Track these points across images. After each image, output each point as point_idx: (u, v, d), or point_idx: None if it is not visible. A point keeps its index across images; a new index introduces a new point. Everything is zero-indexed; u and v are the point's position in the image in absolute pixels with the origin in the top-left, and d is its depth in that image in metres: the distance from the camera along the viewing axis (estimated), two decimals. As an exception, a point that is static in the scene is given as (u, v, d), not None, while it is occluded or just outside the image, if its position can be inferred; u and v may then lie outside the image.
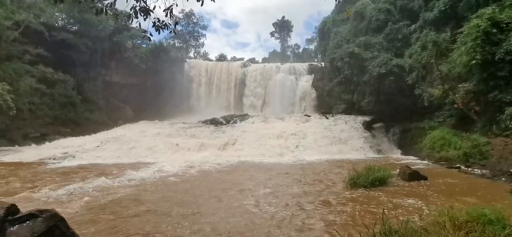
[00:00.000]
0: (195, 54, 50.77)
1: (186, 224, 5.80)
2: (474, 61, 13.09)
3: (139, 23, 4.82)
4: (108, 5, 4.83)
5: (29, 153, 15.62)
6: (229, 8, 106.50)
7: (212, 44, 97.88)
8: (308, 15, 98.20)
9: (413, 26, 21.06)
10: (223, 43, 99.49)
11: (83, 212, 6.51)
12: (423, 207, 6.80)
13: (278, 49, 60.15)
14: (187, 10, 48.24)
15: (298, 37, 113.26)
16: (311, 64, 36.45)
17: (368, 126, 20.87)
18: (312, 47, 55.05)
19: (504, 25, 13.01)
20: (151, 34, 5.06)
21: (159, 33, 5.03)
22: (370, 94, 21.40)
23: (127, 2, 4.75)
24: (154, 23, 4.85)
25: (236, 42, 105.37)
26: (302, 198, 7.74)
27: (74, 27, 29.67)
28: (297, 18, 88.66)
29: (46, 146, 17.88)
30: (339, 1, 10.27)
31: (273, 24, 59.08)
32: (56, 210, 3.55)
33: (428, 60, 16.20)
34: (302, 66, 35.76)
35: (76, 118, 24.20)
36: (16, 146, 18.31)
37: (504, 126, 12.62)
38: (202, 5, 5.06)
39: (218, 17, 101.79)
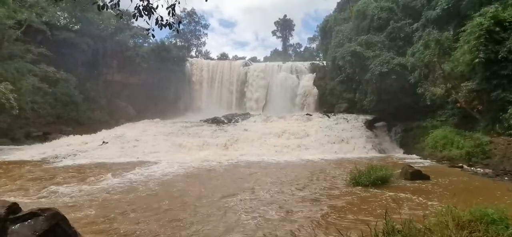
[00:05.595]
0: (197, 53, 50.70)
1: (188, 225, 5.80)
2: (477, 60, 13.03)
3: (146, 22, 4.86)
4: (113, 6, 4.87)
5: (31, 152, 15.66)
6: (226, 7, 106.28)
7: (210, 43, 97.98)
8: (305, 14, 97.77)
9: (415, 25, 20.95)
10: (222, 42, 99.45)
11: (85, 211, 6.52)
12: (426, 207, 6.77)
13: (279, 48, 60.05)
14: (188, 9, 48.24)
15: (296, 36, 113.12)
16: (312, 63, 36.30)
17: (370, 125, 20.80)
18: (313, 46, 54.96)
19: (507, 23, 12.95)
20: (153, 30, 5.08)
21: (161, 29, 5.05)
22: (372, 93, 21.32)
23: (131, 1, 4.79)
24: (157, 21, 4.88)
25: (234, 41, 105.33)
26: (303, 198, 7.73)
27: (76, 26, 29.78)
28: (294, 16, 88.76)
29: (48, 145, 17.90)
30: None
31: (274, 22, 58.95)
32: (58, 209, 3.55)
33: (430, 58, 16.11)
34: (304, 65, 35.65)
35: (78, 117, 24.25)
36: (19, 145, 18.38)
37: (507, 125, 12.55)
38: (206, 0, 5.10)
39: (215, 16, 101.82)
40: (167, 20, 4.96)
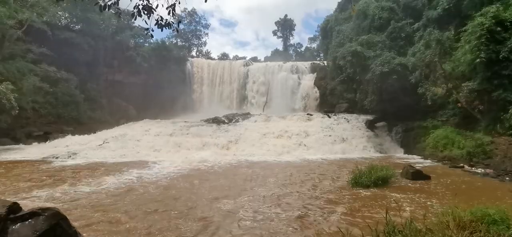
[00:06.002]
0: (197, 53, 50.72)
1: (189, 226, 5.80)
2: (478, 60, 13.00)
3: (145, 21, 4.85)
4: (112, 4, 4.85)
5: (32, 152, 15.69)
6: (226, 7, 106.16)
7: (211, 43, 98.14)
8: (305, 14, 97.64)
9: (416, 25, 20.90)
10: (222, 42, 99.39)
11: (85, 210, 6.52)
12: (427, 207, 6.76)
13: (280, 48, 59.99)
14: (189, 8, 48.26)
15: (297, 36, 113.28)
16: (313, 62, 36.31)
17: (370, 125, 20.78)
18: (314, 45, 54.92)
19: (508, 23, 12.92)
20: (152, 30, 5.06)
21: (162, 31, 5.04)
22: (373, 93, 21.26)
23: (130, 0, 4.78)
24: (157, 21, 4.87)
25: (235, 41, 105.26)
26: (304, 198, 7.72)
27: (77, 26, 29.84)
28: (294, 16, 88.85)
29: (49, 145, 17.93)
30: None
31: (275, 22, 58.90)
32: (58, 208, 3.55)
33: (431, 58, 16.07)
34: (305, 65, 35.66)
35: (78, 117, 24.28)
36: (20, 144, 18.41)
37: (508, 125, 12.52)
38: (206, 1, 5.09)
39: (215, 16, 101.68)
40: (166, 19, 4.94)
